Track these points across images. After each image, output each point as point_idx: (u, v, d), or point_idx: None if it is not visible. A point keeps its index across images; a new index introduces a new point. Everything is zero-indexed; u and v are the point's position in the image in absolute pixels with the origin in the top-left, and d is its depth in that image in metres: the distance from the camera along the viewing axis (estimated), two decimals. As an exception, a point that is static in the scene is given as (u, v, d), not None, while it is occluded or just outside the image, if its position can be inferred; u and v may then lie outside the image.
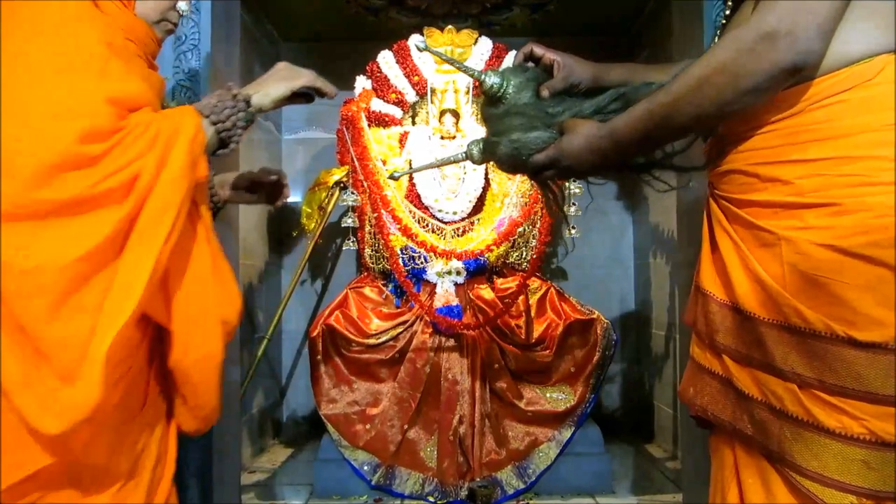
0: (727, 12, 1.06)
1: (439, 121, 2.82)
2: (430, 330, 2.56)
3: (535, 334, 2.55)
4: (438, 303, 2.58)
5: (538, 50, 1.16)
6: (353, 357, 2.53)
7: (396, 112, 2.89)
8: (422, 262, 2.65)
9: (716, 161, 1.05)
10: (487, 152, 1.13)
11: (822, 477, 0.91)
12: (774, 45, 0.88)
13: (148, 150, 0.90)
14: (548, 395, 2.54)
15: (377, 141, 2.79)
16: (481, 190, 2.78)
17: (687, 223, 2.17)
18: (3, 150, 0.83)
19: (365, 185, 2.67)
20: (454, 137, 2.81)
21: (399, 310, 2.65)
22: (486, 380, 2.52)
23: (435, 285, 2.65)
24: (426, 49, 1.20)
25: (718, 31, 1.06)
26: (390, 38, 2.93)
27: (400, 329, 2.56)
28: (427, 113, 2.88)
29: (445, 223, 2.74)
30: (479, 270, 2.68)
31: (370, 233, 2.74)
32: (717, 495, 1.06)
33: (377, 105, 2.85)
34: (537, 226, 2.71)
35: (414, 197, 2.77)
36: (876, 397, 0.88)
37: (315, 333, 2.53)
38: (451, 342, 2.55)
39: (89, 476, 0.94)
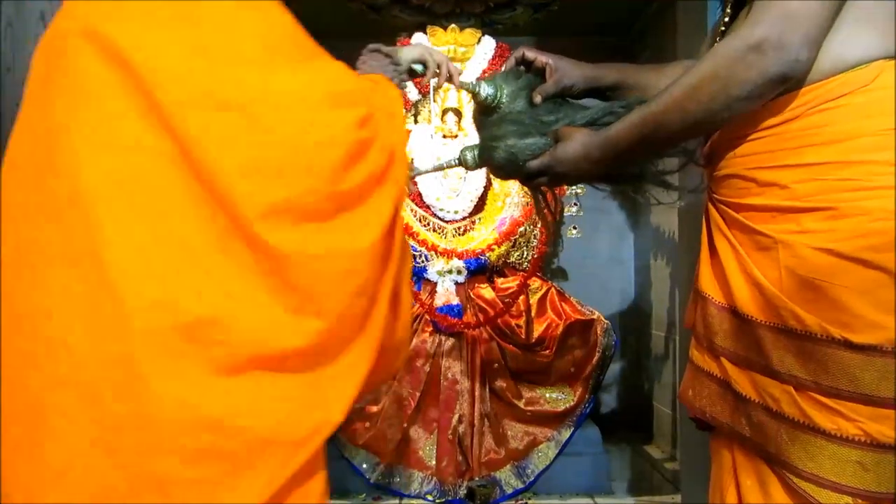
0: (726, 19, 1.07)
1: (441, 119, 2.82)
2: (430, 329, 2.56)
3: (536, 334, 2.55)
4: (439, 301, 2.58)
5: (530, 54, 1.17)
6: (353, 355, 2.52)
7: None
8: (423, 261, 2.65)
9: (713, 166, 1.06)
10: (482, 158, 1.13)
11: (818, 478, 0.92)
12: (763, 55, 0.90)
13: (389, 130, 0.86)
14: (547, 395, 2.54)
15: (379, 139, 2.79)
16: (483, 189, 2.78)
17: (688, 225, 2.17)
18: (294, 144, 0.77)
19: (366, 183, 2.67)
20: (456, 136, 2.81)
21: (399, 308, 2.65)
22: (486, 379, 2.53)
23: (435, 284, 2.65)
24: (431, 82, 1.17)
25: (718, 38, 1.06)
26: (393, 37, 2.93)
27: (400, 327, 2.56)
28: (429, 111, 2.88)
29: (447, 222, 2.75)
30: (479, 270, 2.68)
31: (371, 231, 2.73)
32: (717, 497, 1.07)
33: (379, 103, 2.85)
34: (538, 226, 2.71)
35: (415, 195, 2.77)
36: (871, 399, 0.89)
37: (315, 331, 2.52)
38: (451, 341, 2.55)
39: None
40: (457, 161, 1.15)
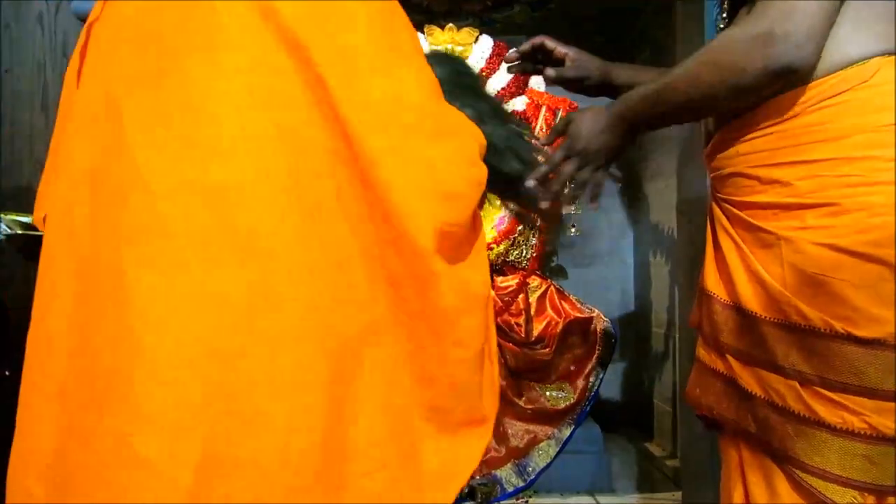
0: (724, 15, 1.09)
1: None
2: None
3: (535, 333, 2.55)
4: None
5: (550, 43, 1.19)
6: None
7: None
8: (422, 261, 2.65)
9: (716, 165, 1.08)
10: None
11: (825, 472, 0.93)
12: (767, 47, 0.91)
13: None
14: (547, 393, 2.54)
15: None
16: (481, 188, 2.78)
17: (687, 222, 2.17)
18: (461, 174, 0.84)
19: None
20: (454, 135, 2.81)
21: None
22: (486, 378, 2.53)
23: (435, 283, 2.65)
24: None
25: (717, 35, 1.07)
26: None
27: (400, 327, 2.57)
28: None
29: (445, 221, 2.74)
30: (479, 268, 2.68)
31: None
32: (726, 496, 1.08)
33: (376, 103, 2.86)
34: (538, 224, 2.70)
35: (414, 195, 2.77)
36: (875, 393, 0.90)
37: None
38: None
39: None
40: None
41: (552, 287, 2.68)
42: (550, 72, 1.16)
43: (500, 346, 2.54)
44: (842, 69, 0.94)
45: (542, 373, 2.55)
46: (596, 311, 2.60)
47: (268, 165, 0.73)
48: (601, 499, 2.44)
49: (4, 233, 1.65)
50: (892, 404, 0.89)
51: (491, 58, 2.86)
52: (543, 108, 2.74)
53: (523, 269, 2.70)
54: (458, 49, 2.88)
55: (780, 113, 0.98)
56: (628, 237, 3.49)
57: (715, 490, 1.94)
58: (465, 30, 2.87)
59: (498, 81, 2.84)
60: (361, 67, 0.77)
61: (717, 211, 1.08)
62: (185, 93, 0.75)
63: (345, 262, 0.76)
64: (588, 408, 2.54)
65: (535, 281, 2.66)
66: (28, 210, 1.16)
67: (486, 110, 1.02)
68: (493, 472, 2.44)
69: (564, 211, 2.71)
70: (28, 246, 1.68)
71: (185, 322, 0.70)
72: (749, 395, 1.00)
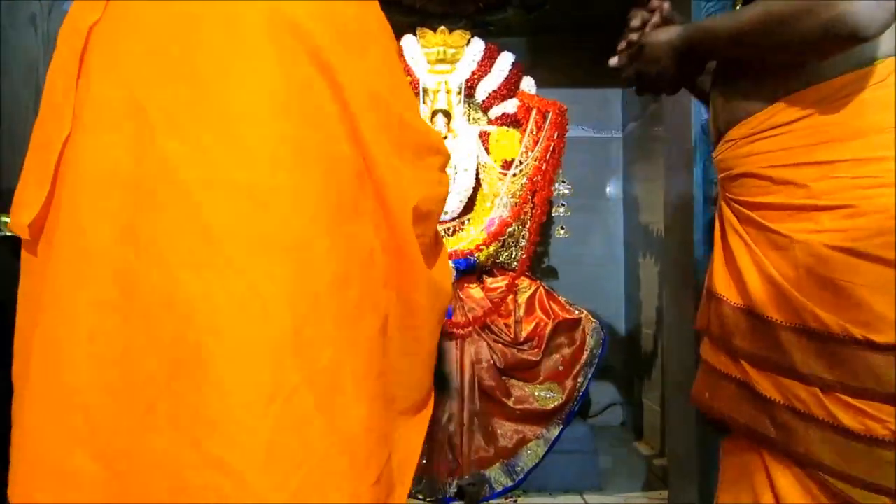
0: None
1: (431, 121, 2.83)
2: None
3: (524, 333, 2.57)
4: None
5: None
6: (344, 355, 2.54)
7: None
8: (412, 262, 2.67)
9: (725, 165, 1.06)
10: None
11: (852, 478, 0.91)
12: (831, 9, 0.86)
13: None
14: (536, 393, 2.56)
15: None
16: (472, 190, 2.80)
17: (674, 223, 2.19)
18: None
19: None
20: (446, 137, 2.83)
21: (390, 308, 2.67)
22: (475, 378, 2.55)
23: (425, 284, 2.67)
24: None
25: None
26: (383, 38, 2.95)
27: (390, 327, 2.58)
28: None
29: (436, 222, 2.76)
30: (469, 270, 2.70)
31: (362, 232, 2.75)
32: (740, 497, 1.05)
33: (369, 105, 2.87)
34: (527, 226, 2.73)
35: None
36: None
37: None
38: (442, 341, 2.57)
39: None
40: None
41: (541, 288, 2.70)
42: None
43: (489, 346, 2.56)
44: (860, 67, 0.92)
45: (530, 373, 2.57)
46: (584, 311, 2.63)
47: (303, 169, 0.78)
48: (589, 498, 2.46)
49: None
50: None
51: (482, 60, 2.88)
52: (534, 111, 2.76)
53: (513, 270, 2.72)
54: (451, 52, 2.90)
55: (795, 111, 0.96)
56: (619, 238, 3.51)
57: (700, 488, 1.97)
58: (458, 32, 2.89)
59: (489, 84, 2.87)
60: (379, 92, 0.84)
61: (726, 211, 1.06)
62: (220, 99, 0.77)
63: (367, 264, 0.83)
64: (577, 407, 2.57)
65: (524, 282, 2.68)
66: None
67: None
68: (482, 471, 2.46)
69: (554, 213, 2.74)
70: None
71: (242, 325, 0.73)
72: (767, 400, 0.98)
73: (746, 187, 1.02)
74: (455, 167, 2.79)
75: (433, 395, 1.03)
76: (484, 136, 2.84)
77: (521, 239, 2.77)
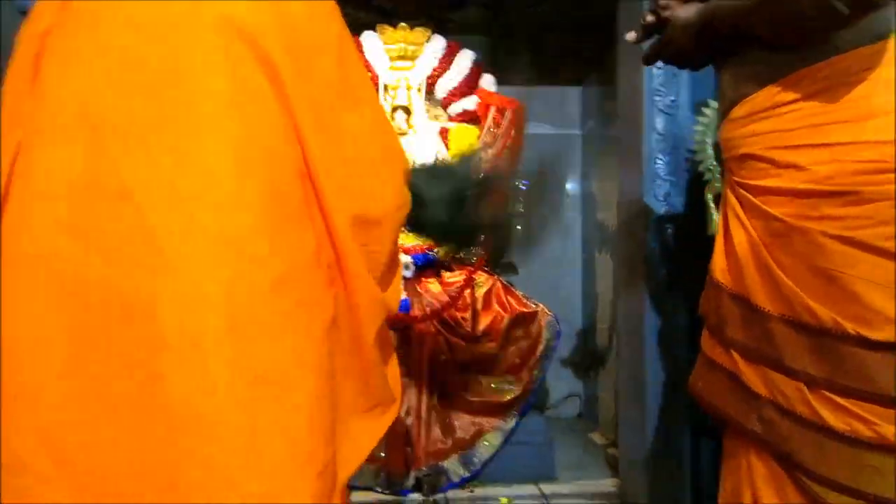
0: None
1: (391, 117, 2.86)
2: (379, 323, 2.59)
3: (481, 327, 2.61)
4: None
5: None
6: (303, 349, 2.55)
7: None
8: (372, 256, 2.69)
9: (730, 145, 1.01)
10: None
11: (831, 481, 0.87)
12: None
13: None
14: (493, 385, 2.61)
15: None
16: (431, 186, 2.83)
17: (627, 220, 2.25)
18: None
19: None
20: (405, 133, 2.85)
21: (349, 303, 2.68)
22: (433, 372, 2.58)
23: (384, 279, 2.69)
24: None
25: None
26: (344, 34, 2.95)
27: (349, 321, 2.60)
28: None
29: (396, 218, 2.78)
30: (427, 265, 2.73)
31: (321, 226, 2.76)
32: (727, 496, 1.02)
33: (329, 100, 2.88)
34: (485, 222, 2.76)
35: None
36: (887, 400, 0.84)
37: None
38: (400, 335, 2.59)
39: None
40: None
41: (498, 282, 2.74)
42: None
43: (447, 340, 2.60)
44: (871, 43, 0.86)
45: (488, 366, 2.61)
46: (541, 305, 2.67)
47: (246, 172, 0.79)
48: (544, 487, 2.52)
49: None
50: None
51: (443, 57, 2.91)
52: (492, 108, 2.80)
53: (471, 265, 2.76)
54: (411, 49, 2.92)
55: (799, 89, 0.89)
56: (577, 234, 3.57)
57: (650, 477, 2.03)
58: (418, 29, 2.91)
59: (449, 81, 2.90)
60: (323, 100, 0.85)
61: (730, 197, 1.00)
62: (167, 104, 0.78)
63: (312, 265, 0.84)
64: (533, 399, 2.62)
65: (481, 277, 2.71)
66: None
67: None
68: (439, 462, 2.49)
69: (509, 210, 2.78)
70: None
71: (185, 324, 0.75)
72: (753, 395, 0.94)
73: (750, 170, 0.97)
74: (415, 163, 2.81)
75: (397, 400, 1.04)
76: (444, 133, 2.87)
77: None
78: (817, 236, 0.88)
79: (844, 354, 0.86)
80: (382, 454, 2.48)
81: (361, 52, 2.91)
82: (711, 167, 1.81)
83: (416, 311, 2.61)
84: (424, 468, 2.47)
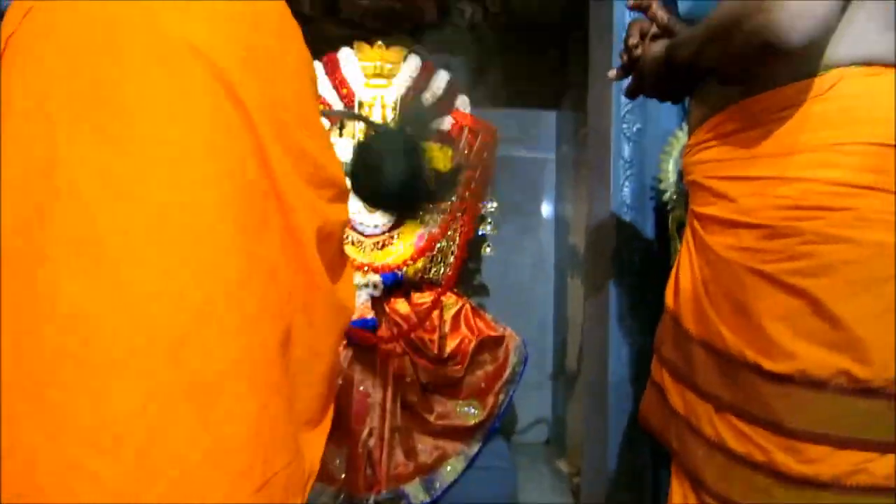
0: None
1: (365, 134, 2.84)
2: (344, 341, 2.56)
3: (448, 349, 2.58)
4: (353, 315, 2.58)
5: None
6: (265, 367, 2.51)
7: (324, 123, 2.89)
8: (339, 274, 2.66)
9: (685, 168, 1.05)
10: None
11: (728, 500, 0.91)
12: (754, 16, 0.82)
13: None
14: (458, 409, 2.58)
15: (302, 151, 2.79)
16: (402, 205, 2.81)
17: (594, 245, 2.24)
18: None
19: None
20: (379, 151, 2.84)
21: (315, 320, 2.65)
22: (398, 393, 2.55)
23: (351, 297, 2.66)
24: None
25: None
26: (321, 50, 2.95)
27: (314, 340, 2.57)
28: (354, 125, 2.90)
29: (366, 236, 2.76)
30: (396, 284, 2.71)
31: (290, 242, 2.73)
32: None
33: (304, 115, 2.86)
34: (456, 242, 2.75)
35: (335, 208, 2.78)
36: (782, 429, 0.87)
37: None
38: (365, 355, 2.56)
39: None
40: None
41: (467, 304, 2.72)
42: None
43: (412, 362, 2.57)
44: (805, 77, 0.87)
45: (453, 389, 2.59)
46: (508, 329, 2.66)
47: (206, 186, 0.80)
48: (506, 514, 2.49)
49: None
50: (800, 444, 0.85)
51: (418, 77, 2.90)
52: (466, 130, 2.79)
53: (440, 286, 2.74)
54: (388, 67, 2.91)
55: (735, 122, 0.92)
56: (550, 257, 3.56)
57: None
58: (395, 48, 2.91)
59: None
60: (284, 121, 0.88)
61: (688, 219, 1.03)
62: (126, 115, 0.79)
63: (269, 280, 0.85)
64: (497, 424, 2.59)
65: (450, 298, 2.69)
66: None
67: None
68: (400, 486, 2.45)
69: (481, 231, 2.77)
70: None
71: (121, 334, 0.74)
72: (674, 412, 0.98)
73: (695, 196, 1.00)
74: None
75: (331, 409, 1.07)
76: (417, 152, 2.86)
77: (450, 255, 2.79)
78: (737, 268, 0.91)
79: (747, 382, 0.89)
80: (342, 475, 2.44)
81: (337, 67, 2.90)
82: (674, 196, 1.81)
83: (383, 331, 2.58)
84: (385, 492, 2.43)
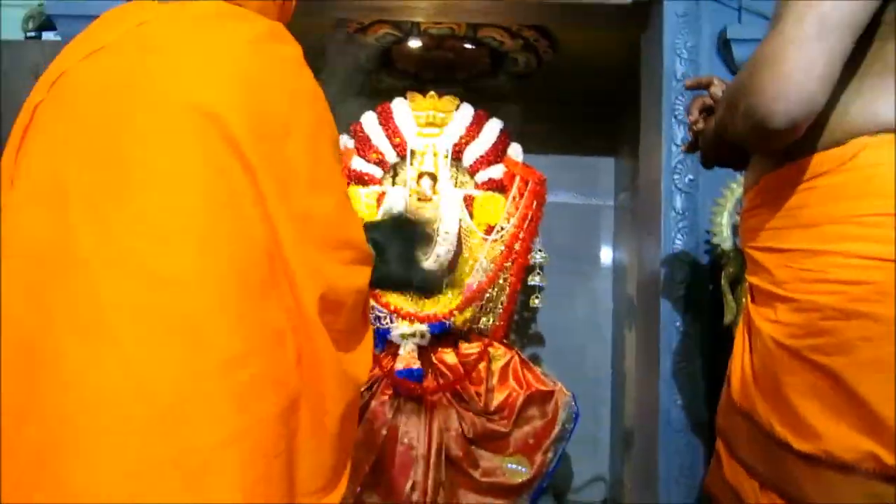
0: None
1: (417, 183, 2.85)
2: (389, 391, 2.53)
3: (495, 402, 2.52)
4: (399, 365, 2.56)
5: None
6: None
7: (376, 171, 2.92)
8: (387, 323, 2.64)
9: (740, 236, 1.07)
10: None
11: None
12: (745, 97, 0.86)
13: None
14: (504, 465, 2.49)
15: (355, 199, 2.82)
16: (452, 254, 2.79)
17: (644, 298, 2.16)
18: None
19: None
20: (430, 199, 2.83)
21: (361, 370, 2.63)
22: (443, 446, 2.49)
23: (398, 346, 2.63)
24: None
25: None
26: (376, 100, 3.00)
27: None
28: (406, 174, 2.92)
29: (413, 285, 2.75)
30: (444, 334, 2.67)
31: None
32: None
33: (357, 164, 2.90)
34: (506, 291, 2.70)
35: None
36: None
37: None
38: (410, 405, 2.52)
39: None
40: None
41: (517, 356, 2.65)
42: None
43: (458, 414, 2.51)
44: (830, 147, 0.86)
45: (499, 444, 2.51)
46: (559, 384, 2.57)
47: (209, 253, 0.80)
48: (554, 580, 2.36)
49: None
50: None
51: (471, 125, 2.90)
52: (517, 178, 2.77)
53: (488, 336, 2.68)
54: (440, 116, 2.93)
55: (771, 191, 0.92)
56: (607, 308, 3.45)
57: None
58: (447, 98, 2.93)
59: (477, 149, 2.88)
60: (289, 182, 0.87)
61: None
62: (134, 183, 0.81)
63: (275, 345, 0.84)
64: (545, 483, 2.49)
65: (499, 349, 2.63)
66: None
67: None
68: (443, 544, 2.38)
69: (531, 281, 2.71)
70: None
71: (115, 403, 0.76)
72: (730, 486, 0.97)
73: (748, 264, 1.00)
74: (437, 230, 2.79)
75: (345, 477, 1.02)
76: (468, 200, 2.84)
77: (499, 305, 2.74)
78: (768, 340, 0.89)
79: (780, 458, 0.87)
80: (385, 531, 2.39)
81: (391, 117, 2.94)
82: (727, 250, 1.72)
83: (428, 382, 2.54)
84: (427, 550, 2.36)
